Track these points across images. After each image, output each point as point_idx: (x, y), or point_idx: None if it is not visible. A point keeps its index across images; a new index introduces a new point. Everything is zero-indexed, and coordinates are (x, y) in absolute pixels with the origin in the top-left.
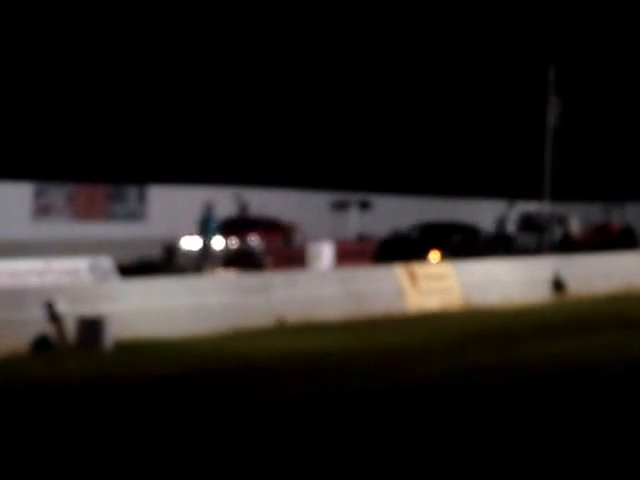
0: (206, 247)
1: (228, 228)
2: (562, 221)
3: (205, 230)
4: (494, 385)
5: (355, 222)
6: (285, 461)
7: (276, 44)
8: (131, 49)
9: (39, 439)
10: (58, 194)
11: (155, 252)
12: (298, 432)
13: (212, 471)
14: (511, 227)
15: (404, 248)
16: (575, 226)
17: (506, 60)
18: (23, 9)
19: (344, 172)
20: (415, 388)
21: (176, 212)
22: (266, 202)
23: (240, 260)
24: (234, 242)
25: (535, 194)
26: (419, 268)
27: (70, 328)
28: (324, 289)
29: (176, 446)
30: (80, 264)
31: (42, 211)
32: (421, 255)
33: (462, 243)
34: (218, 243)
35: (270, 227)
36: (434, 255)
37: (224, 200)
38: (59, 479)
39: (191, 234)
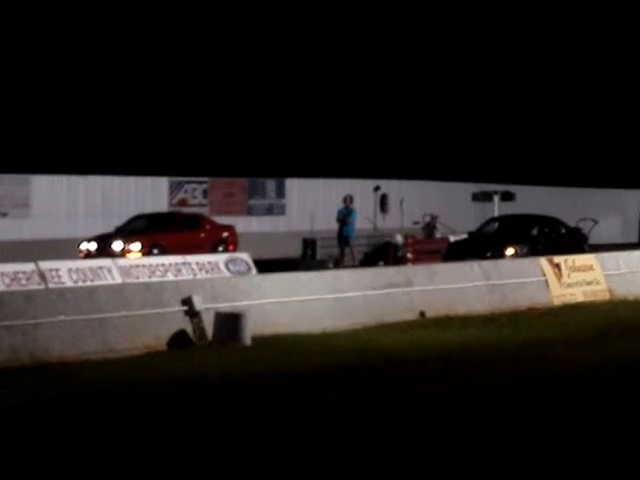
0: (346, 241)
1: (140, 227)
2: None
3: (344, 223)
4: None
5: (497, 213)
6: (418, 458)
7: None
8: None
9: (177, 434)
10: (194, 189)
11: (294, 246)
12: (435, 429)
13: (347, 464)
14: None
15: (479, 243)
16: None
17: None
18: None
19: (488, 164)
20: (559, 382)
21: (315, 205)
22: (406, 194)
23: (382, 253)
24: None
25: None
26: (563, 260)
27: (208, 323)
28: (466, 282)
29: (316, 441)
30: (218, 259)
31: (178, 206)
32: (497, 250)
33: (542, 237)
34: (117, 246)
35: (185, 227)
36: (510, 250)
37: (364, 192)
38: (201, 472)
39: (88, 240)
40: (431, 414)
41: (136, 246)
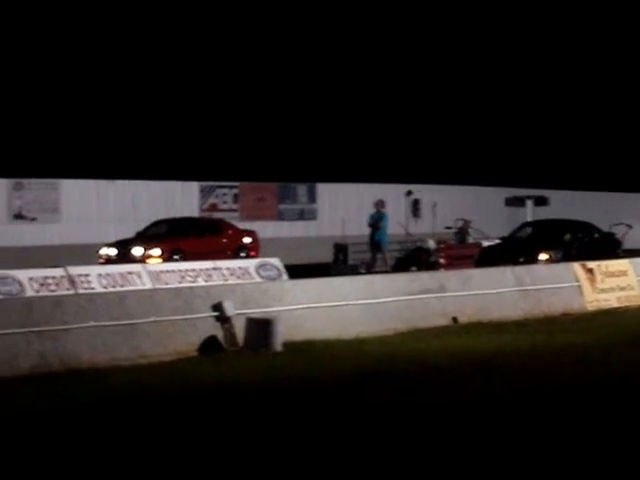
0: (378, 246)
1: (159, 232)
2: None
3: (376, 228)
4: None
5: (530, 218)
6: (456, 462)
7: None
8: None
9: (209, 440)
10: (225, 193)
11: (326, 252)
12: (471, 433)
13: (377, 471)
14: None
15: (512, 248)
16: None
17: None
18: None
19: (521, 169)
20: (594, 387)
21: (346, 210)
22: (439, 199)
23: (414, 259)
24: (156, 251)
25: None
26: (597, 265)
27: (239, 329)
28: (499, 287)
29: (347, 448)
30: (249, 264)
31: (209, 211)
32: (530, 255)
33: (575, 242)
34: (137, 251)
35: (206, 232)
36: (543, 255)
37: (396, 197)
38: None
39: (108, 245)
40: (466, 418)
41: (156, 251)
